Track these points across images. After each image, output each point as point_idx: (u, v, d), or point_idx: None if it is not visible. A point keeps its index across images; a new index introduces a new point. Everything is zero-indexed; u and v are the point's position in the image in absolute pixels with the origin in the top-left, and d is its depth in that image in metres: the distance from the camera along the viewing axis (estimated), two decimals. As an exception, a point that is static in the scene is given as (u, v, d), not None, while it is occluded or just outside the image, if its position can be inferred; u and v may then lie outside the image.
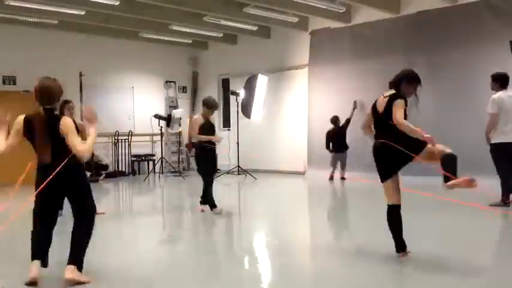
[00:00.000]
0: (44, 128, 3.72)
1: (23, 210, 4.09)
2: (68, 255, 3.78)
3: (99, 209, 4.88)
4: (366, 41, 10.95)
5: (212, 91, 14.48)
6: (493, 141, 6.80)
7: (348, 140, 10.69)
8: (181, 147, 14.09)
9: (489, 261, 4.61)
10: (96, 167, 11.81)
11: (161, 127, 12.43)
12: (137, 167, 13.37)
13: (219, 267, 4.50)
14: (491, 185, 7.06)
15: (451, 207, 6.41)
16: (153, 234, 6.19)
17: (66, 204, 4.10)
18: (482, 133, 7.05)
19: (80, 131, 3.85)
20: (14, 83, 11.23)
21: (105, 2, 9.52)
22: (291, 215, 7.30)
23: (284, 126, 12.79)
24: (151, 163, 13.34)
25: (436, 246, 4.85)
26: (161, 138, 12.65)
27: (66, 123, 3.72)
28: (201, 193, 7.03)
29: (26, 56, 11.21)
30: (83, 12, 10.27)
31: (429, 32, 9.91)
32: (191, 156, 14.07)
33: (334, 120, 10.75)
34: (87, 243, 3.90)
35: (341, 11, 10.71)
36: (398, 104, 4.20)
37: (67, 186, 3.82)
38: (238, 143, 12.10)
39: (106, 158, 12.67)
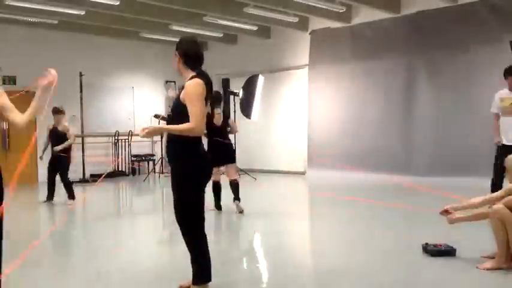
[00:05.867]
0: None
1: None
2: None
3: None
4: (366, 41, 10.95)
5: (212, 91, 14.48)
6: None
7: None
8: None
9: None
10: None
11: (161, 127, 12.43)
12: (137, 167, 13.37)
13: (218, 267, 4.50)
14: (483, 186, 6.94)
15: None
16: (152, 234, 6.19)
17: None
18: (481, 133, 6.99)
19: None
20: (14, 83, 11.23)
21: (105, 2, 9.51)
22: (290, 216, 7.29)
23: (284, 127, 12.78)
24: (151, 163, 13.34)
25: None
26: (161, 138, 12.65)
27: None
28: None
29: (26, 56, 11.20)
30: (83, 12, 10.27)
31: (429, 32, 9.92)
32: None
33: None
34: None
35: (341, 11, 10.71)
36: None
37: None
38: (235, 143, 12.07)
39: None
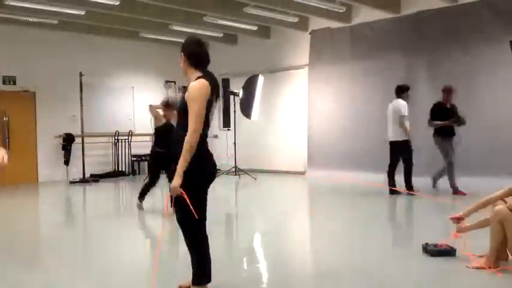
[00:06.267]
0: None
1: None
2: None
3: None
4: (366, 41, 10.95)
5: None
6: None
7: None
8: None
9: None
10: None
11: (161, 127, 12.42)
12: (137, 167, 13.37)
13: (218, 267, 4.50)
14: (486, 186, 6.91)
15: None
16: (152, 234, 6.19)
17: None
18: (481, 133, 7.01)
19: None
20: (14, 83, 11.23)
21: (105, 2, 9.51)
22: (290, 215, 7.30)
23: (284, 127, 12.79)
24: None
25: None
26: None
27: None
28: None
29: (26, 56, 11.21)
30: (83, 12, 10.27)
31: (429, 32, 9.91)
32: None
33: None
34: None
35: (341, 11, 10.71)
36: None
37: None
38: (235, 143, 12.10)
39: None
